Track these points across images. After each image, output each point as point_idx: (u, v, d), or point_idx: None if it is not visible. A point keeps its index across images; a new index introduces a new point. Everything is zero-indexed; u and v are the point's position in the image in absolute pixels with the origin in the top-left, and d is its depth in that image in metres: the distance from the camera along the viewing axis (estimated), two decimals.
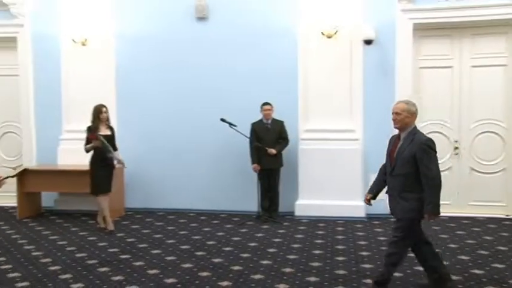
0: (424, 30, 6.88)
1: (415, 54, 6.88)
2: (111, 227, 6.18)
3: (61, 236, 6.00)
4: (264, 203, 6.78)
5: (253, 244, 5.55)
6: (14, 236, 5.99)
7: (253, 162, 6.66)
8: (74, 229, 6.37)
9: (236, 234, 6.04)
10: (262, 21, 7.04)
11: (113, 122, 7.32)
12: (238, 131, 6.60)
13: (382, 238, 5.76)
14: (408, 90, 6.72)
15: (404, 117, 3.88)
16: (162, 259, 5.02)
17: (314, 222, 6.53)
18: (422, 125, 6.96)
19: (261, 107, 6.71)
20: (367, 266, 4.74)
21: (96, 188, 6.19)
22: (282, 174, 6.81)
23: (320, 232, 6.09)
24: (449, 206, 6.79)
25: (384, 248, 5.32)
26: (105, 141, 6.04)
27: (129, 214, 7.18)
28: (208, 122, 7.12)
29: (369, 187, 4.32)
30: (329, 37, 6.74)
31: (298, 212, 6.88)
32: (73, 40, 7.23)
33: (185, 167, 7.36)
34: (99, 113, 6.17)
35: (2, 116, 7.93)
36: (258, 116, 6.77)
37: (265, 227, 6.37)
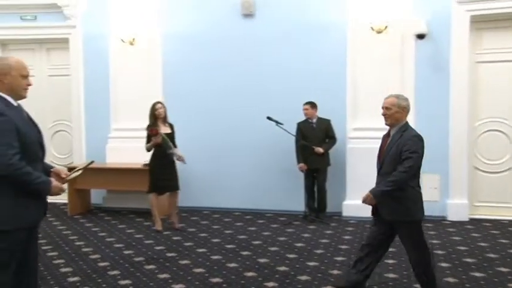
0: (482, 23, 6.59)
1: (471, 48, 6.60)
2: (159, 226, 6.22)
3: (109, 233, 6.17)
4: (310, 202, 6.73)
5: (299, 244, 5.51)
6: (65, 232, 6.21)
7: (299, 162, 6.62)
8: (121, 226, 6.54)
9: (282, 234, 6.01)
10: (309, 17, 6.98)
11: None
12: (284, 129, 6.56)
13: (435, 241, 5.57)
14: (464, 86, 6.47)
15: (395, 113, 3.70)
16: (207, 258, 5.06)
17: (362, 223, 6.41)
18: (480, 123, 6.69)
19: (303, 107, 6.69)
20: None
21: (153, 187, 6.15)
22: (330, 173, 6.72)
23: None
24: None
25: (437, 251, 5.14)
26: (166, 137, 5.97)
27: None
28: (254, 120, 7.12)
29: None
30: (379, 32, 6.59)
31: (346, 213, 6.78)
32: (121, 40, 7.41)
33: (231, 166, 7.40)
34: (154, 110, 6.11)
35: (54, 115, 8.25)
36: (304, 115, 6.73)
37: (312, 227, 6.32)
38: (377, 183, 3.77)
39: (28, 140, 2.82)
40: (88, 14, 7.73)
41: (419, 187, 3.73)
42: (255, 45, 7.22)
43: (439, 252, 5.16)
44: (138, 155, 6.92)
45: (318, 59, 6.97)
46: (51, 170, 3.12)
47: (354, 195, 6.68)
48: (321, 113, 6.72)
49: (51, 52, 8.20)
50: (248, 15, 7.23)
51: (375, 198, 3.64)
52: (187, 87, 7.47)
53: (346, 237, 5.83)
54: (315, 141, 6.59)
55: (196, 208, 7.47)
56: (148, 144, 6.07)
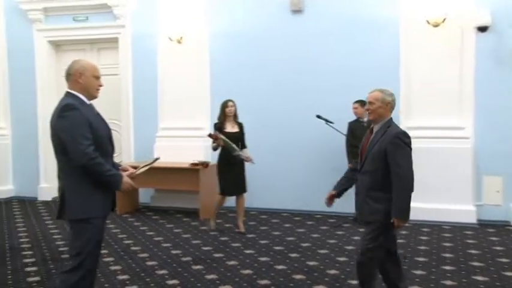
0: None
1: None
2: (212, 225, 6.28)
3: (157, 232, 6.25)
4: None
5: (350, 247, 5.40)
6: (115, 231, 6.36)
7: (349, 162, 6.46)
8: (169, 226, 6.62)
9: (332, 236, 5.92)
10: (360, 12, 6.83)
11: (207, 119, 7.56)
12: (334, 128, 6.45)
13: (498, 248, 5.30)
14: None
15: (378, 108, 3.48)
16: (255, 259, 5.03)
17: (417, 227, 6.22)
18: None
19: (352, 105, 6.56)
20: (479, 278, 4.37)
21: (223, 189, 6.09)
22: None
23: (424, 238, 5.78)
24: None
25: (501, 259, 4.88)
26: (227, 140, 5.80)
27: (222, 213, 7.30)
28: (303, 119, 7.05)
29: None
30: (435, 26, 6.34)
31: None
32: (169, 38, 7.51)
33: (279, 166, 7.35)
34: (224, 107, 6.02)
35: (104, 114, 8.34)
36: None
37: (362, 230, 6.14)
38: (358, 182, 3.60)
39: (100, 133, 3.04)
40: (137, 14, 7.89)
41: None
42: (304, 42, 7.14)
43: (503, 260, 4.89)
44: (186, 154, 7.00)
45: (370, 55, 6.82)
46: (119, 167, 3.29)
47: None
48: None
49: (102, 52, 8.43)
50: (297, 11, 7.15)
51: (406, 219, 3.39)
52: (235, 86, 7.47)
53: (400, 241, 5.62)
54: None
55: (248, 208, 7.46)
56: (213, 145, 6.01)
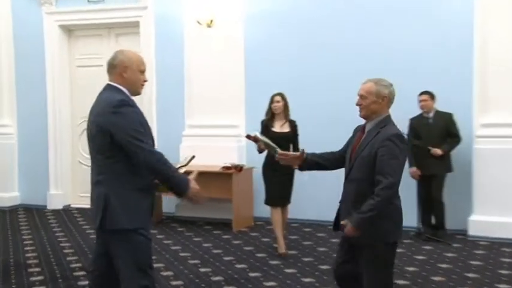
0: None
1: None
2: (281, 249, 5.84)
3: (183, 247, 6.26)
4: (425, 217, 6.50)
5: (411, 269, 5.31)
6: None
7: (411, 166, 6.38)
8: (196, 239, 6.62)
9: None
10: None
11: (241, 116, 7.53)
12: None
13: None
14: None
15: (371, 103, 3.33)
16: (297, 280, 4.98)
17: (496, 246, 6.07)
18: None
19: (418, 98, 6.46)
20: None
21: (266, 198, 5.98)
22: (451, 181, 6.44)
23: (506, 260, 5.62)
24: None
25: None
26: (269, 143, 5.58)
27: (259, 224, 7.28)
28: (355, 115, 6.88)
29: None
30: None
31: (473, 231, 6.46)
32: (198, 22, 7.53)
33: (323, 172, 7.23)
34: (270, 103, 5.86)
35: None
36: (418, 109, 6.49)
37: (427, 247, 6.07)
38: (343, 190, 3.44)
39: (147, 132, 3.12)
40: None
41: (400, 200, 3.34)
42: (356, 23, 7.08)
43: None
44: (217, 156, 6.99)
45: (436, 37, 6.74)
46: None
47: (484, 210, 6.42)
48: (440, 105, 6.44)
49: (120, 38, 8.54)
50: None
51: (358, 229, 3.16)
52: (274, 76, 7.42)
53: (475, 262, 5.52)
54: (432, 140, 6.34)
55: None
56: (257, 147, 5.73)
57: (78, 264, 5.53)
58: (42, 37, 8.54)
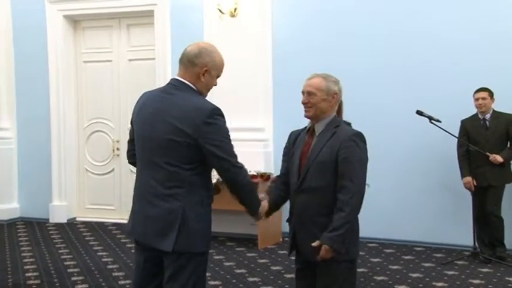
0: None
1: None
2: None
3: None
4: (482, 234, 6.45)
5: None
6: None
7: (464, 175, 6.38)
8: (217, 257, 6.64)
9: (440, 277, 5.79)
10: None
11: (269, 117, 7.57)
12: (442, 129, 6.30)
13: None
14: None
15: (321, 101, 3.33)
16: None
17: None
18: None
19: (473, 96, 6.43)
20: None
21: None
22: (510, 193, 6.38)
23: None
24: None
25: None
26: None
27: (287, 241, 7.27)
28: (398, 116, 7.00)
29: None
30: None
31: None
32: (219, 10, 7.59)
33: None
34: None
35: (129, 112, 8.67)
36: (471, 109, 6.45)
37: (484, 270, 6.02)
38: (294, 204, 3.40)
39: None
40: None
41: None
42: (398, 10, 7.08)
43: None
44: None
45: (491, 26, 6.71)
46: None
47: None
48: (499, 105, 6.40)
49: (132, 30, 8.67)
50: None
51: (335, 249, 3.13)
52: (305, 72, 7.37)
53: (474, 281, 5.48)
54: (489, 145, 6.32)
55: None
56: None
57: (84, 285, 5.59)
58: (45, 29, 8.66)
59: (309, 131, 3.44)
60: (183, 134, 2.97)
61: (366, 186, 4.58)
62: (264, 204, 3.32)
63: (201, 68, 3.09)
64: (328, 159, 3.23)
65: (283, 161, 3.58)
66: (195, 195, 3.03)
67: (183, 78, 3.12)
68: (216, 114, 3.02)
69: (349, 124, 5.15)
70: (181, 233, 2.98)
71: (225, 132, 3.05)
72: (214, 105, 3.06)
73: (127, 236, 7.21)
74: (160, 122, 3.04)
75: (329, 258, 3.14)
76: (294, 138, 3.54)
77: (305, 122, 6.97)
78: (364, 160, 3.29)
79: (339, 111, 5.09)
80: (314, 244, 3.16)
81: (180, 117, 2.99)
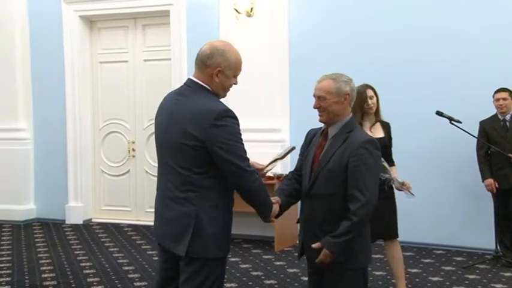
0: None
1: None
2: None
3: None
4: (504, 237, 6.36)
5: None
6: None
7: (485, 178, 6.31)
8: (233, 259, 6.61)
9: (460, 281, 5.74)
10: None
11: (285, 118, 7.52)
12: (462, 129, 6.21)
13: None
14: None
15: (332, 104, 3.23)
16: None
17: None
18: None
19: (493, 96, 6.36)
20: None
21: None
22: None
23: None
24: None
25: None
26: None
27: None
28: (416, 117, 6.93)
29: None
30: None
31: None
32: (236, 10, 7.57)
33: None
34: (363, 101, 4.94)
35: (150, 111, 8.61)
36: (491, 110, 6.38)
37: (507, 274, 5.94)
38: (303, 209, 3.38)
39: None
40: None
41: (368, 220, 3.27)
42: (416, 8, 7.03)
43: None
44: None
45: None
46: None
47: None
48: None
49: (148, 30, 8.69)
50: None
51: (334, 254, 3.09)
52: (322, 72, 7.26)
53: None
54: (509, 146, 6.23)
55: None
56: None
57: (100, 287, 5.59)
58: (61, 30, 8.71)
59: (323, 132, 3.38)
60: (192, 138, 2.93)
61: (410, 196, 4.40)
62: (276, 209, 3.22)
63: (213, 68, 3.03)
64: (337, 167, 3.18)
65: (299, 160, 3.54)
66: (208, 199, 2.97)
67: (198, 79, 3.07)
68: (226, 116, 2.94)
69: (387, 124, 5.07)
70: (194, 237, 2.95)
71: (234, 135, 2.95)
72: (224, 106, 2.99)
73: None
74: (173, 125, 3.02)
75: (327, 263, 3.10)
76: (311, 137, 3.50)
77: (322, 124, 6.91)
78: (375, 168, 3.22)
79: (377, 111, 4.97)
80: (314, 246, 3.13)
81: (189, 120, 2.96)
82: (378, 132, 4.95)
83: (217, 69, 3.02)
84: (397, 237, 5.06)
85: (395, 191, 4.92)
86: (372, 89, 5.06)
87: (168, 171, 3.06)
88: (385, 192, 4.70)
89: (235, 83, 3.15)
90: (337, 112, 3.27)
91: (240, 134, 2.99)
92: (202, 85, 3.05)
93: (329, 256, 3.08)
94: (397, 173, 4.96)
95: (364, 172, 3.12)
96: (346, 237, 3.07)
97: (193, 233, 2.95)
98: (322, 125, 3.41)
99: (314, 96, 3.33)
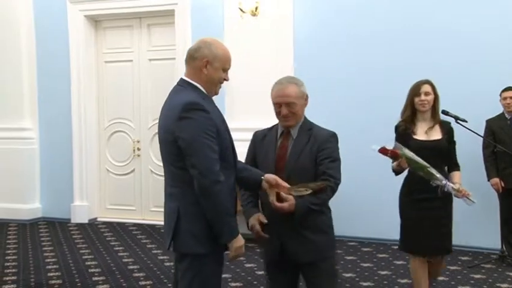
0: None
1: None
2: None
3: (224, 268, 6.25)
4: (510, 237, 6.38)
5: None
6: (168, 264, 6.46)
7: (491, 177, 6.31)
8: (238, 259, 6.58)
9: (466, 280, 5.73)
10: None
11: None
12: (468, 129, 6.15)
13: None
14: None
15: (300, 108, 3.38)
16: None
17: None
18: None
19: (500, 95, 6.36)
20: None
21: (404, 242, 4.65)
22: None
23: None
24: None
25: None
26: (416, 158, 4.14)
27: None
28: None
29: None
30: None
31: None
32: (240, 9, 7.56)
33: (387, 183, 7.10)
34: (413, 96, 4.57)
35: (155, 110, 8.60)
36: (497, 108, 6.37)
37: None
38: (269, 214, 3.35)
39: (225, 144, 3.04)
40: None
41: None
42: (421, 6, 7.02)
43: None
44: None
45: None
46: (262, 177, 3.25)
47: None
48: None
49: (153, 29, 8.69)
50: None
51: (297, 211, 3.18)
52: (326, 71, 7.38)
53: None
54: None
55: (339, 237, 7.31)
56: (393, 165, 4.44)
57: (105, 286, 5.60)
58: (66, 29, 8.72)
59: (283, 134, 3.44)
60: (169, 131, 2.97)
61: (471, 203, 4.20)
62: (238, 244, 3.00)
63: (201, 60, 3.05)
64: (309, 164, 3.31)
65: (246, 161, 3.54)
66: (189, 195, 2.93)
67: (187, 77, 3.10)
68: (192, 108, 2.90)
69: (446, 125, 4.69)
70: (176, 233, 2.97)
71: (200, 129, 2.87)
72: (194, 98, 2.96)
73: None
74: (161, 122, 3.10)
75: (286, 209, 3.16)
76: (261, 139, 3.53)
77: (328, 122, 6.88)
78: (340, 159, 3.38)
79: (434, 111, 4.63)
80: (282, 205, 3.16)
81: (166, 114, 3.03)
82: (434, 134, 4.50)
83: (204, 60, 3.04)
84: (450, 252, 4.71)
85: (455, 198, 4.54)
86: (431, 85, 4.57)
87: (165, 167, 3.11)
88: (440, 200, 4.41)
89: (227, 79, 3.13)
90: (302, 114, 3.42)
91: (210, 129, 2.91)
92: (190, 82, 3.07)
93: (289, 207, 3.15)
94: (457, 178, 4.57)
95: (334, 163, 3.32)
96: (311, 205, 3.22)
97: (174, 228, 2.97)
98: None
99: (277, 103, 3.36)
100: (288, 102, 3.32)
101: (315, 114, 6.66)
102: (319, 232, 3.37)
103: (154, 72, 8.64)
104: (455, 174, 4.54)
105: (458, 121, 6.21)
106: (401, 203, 4.70)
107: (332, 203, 3.43)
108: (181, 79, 3.11)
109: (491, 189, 6.31)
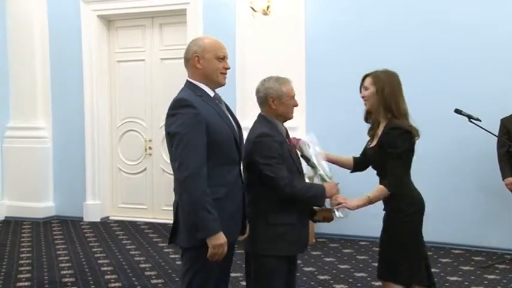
0: None
1: None
2: None
3: (233, 266, 6.21)
4: None
5: None
6: (176, 263, 6.41)
7: (505, 176, 6.22)
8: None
9: (480, 281, 5.66)
10: None
11: (301, 116, 7.44)
12: (482, 127, 6.11)
13: None
14: None
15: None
16: None
17: None
18: None
19: None
20: None
21: (403, 274, 3.70)
22: None
23: None
24: None
25: None
26: (314, 162, 3.85)
27: (321, 242, 7.21)
28: (435, 115, 6.77)
29: None
30: None
31: None
32: (252, 9, 7.52)
33: None
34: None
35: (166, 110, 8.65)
36: (511, 107, 6.32)
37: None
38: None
39: (222, 138, 3.04)
40: None
41: None
42: (434, 3, 6.94)
43: None
44: None
45: None
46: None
47: None
48: None
49: (165, 29, 8.67)
50: None
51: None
52: (339, 70, 7.33)
53: None
54: None
55: (348, 237, 7.29)
56: None
57: (117, 284, 5.58)
58: (79, 29, 8.72)
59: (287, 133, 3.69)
60: (165, 131, 3.06)
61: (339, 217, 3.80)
62: (218, 242, 2.94)
63: (192, 58, 3.10)
64: None
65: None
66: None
67: (189, 77, 3.16)
68: (179, 105, 2.95)
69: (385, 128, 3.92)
70: (176, 228, 3.10)
71: (184, 127, 2.89)
72: (183, 96, 3.01)
73: None
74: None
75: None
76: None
77: (338, 123, 6.95)
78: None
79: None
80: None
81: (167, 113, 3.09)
82: (375, 140, 3.87)
83: (195, 56, 3.08)
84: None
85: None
86: (374, 77, 3.91)
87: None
88: (385, 222, 3.82)
89: (227, 67, 3.15)
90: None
91: (195, 125, 2.91)
92: (191, 82, 3.13)
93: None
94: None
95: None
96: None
97: (173, 223, 3.15)
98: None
99: (293, 97, 3.69)
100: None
101: (328, 112, 6.67)
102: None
103: (166, 72, 8.62)
104: (376, 187, 3.76)
105: (472, 120, 6.17)
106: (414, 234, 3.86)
107: None
108: (186, 80, 3.18)
109: (506, 189, 6.23)
